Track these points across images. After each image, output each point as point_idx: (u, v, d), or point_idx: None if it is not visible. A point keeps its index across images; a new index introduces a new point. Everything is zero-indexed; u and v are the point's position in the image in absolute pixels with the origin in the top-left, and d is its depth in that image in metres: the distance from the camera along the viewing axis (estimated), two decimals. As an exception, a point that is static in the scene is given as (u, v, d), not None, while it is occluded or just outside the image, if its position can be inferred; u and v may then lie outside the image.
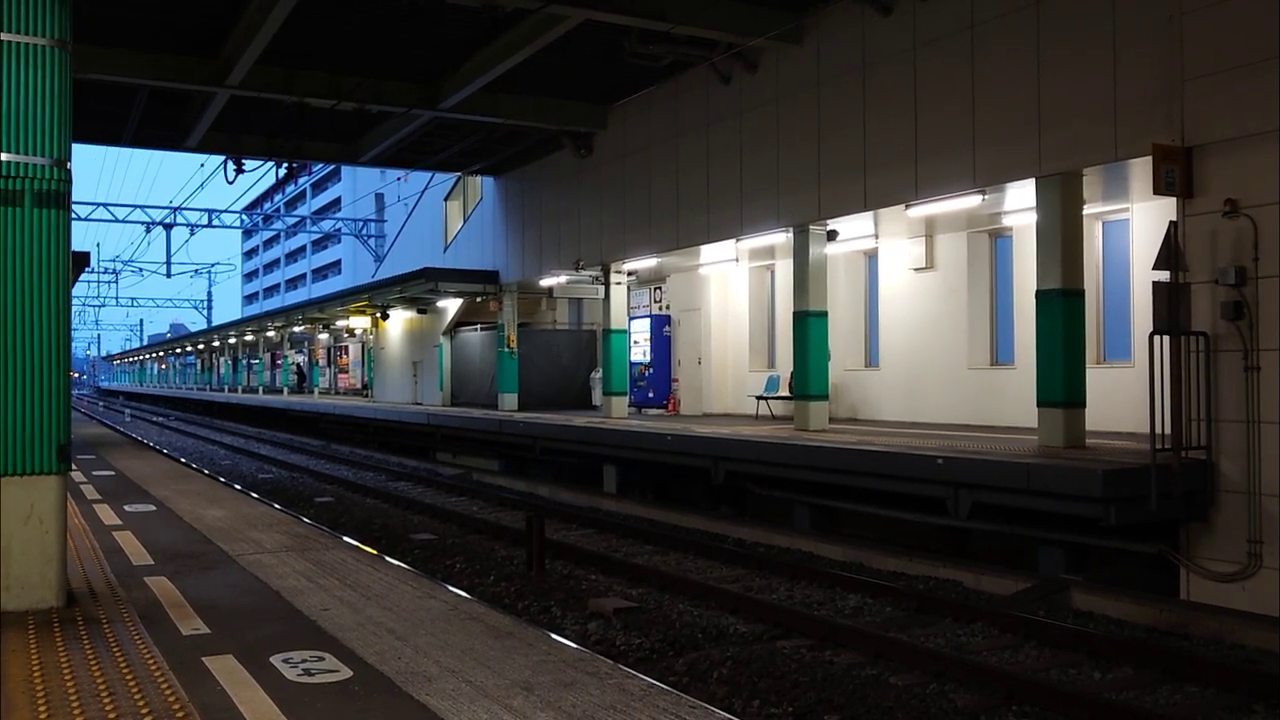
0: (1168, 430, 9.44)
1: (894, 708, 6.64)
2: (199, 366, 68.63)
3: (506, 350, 23.57)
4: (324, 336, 43.16)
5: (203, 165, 26.92)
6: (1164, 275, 9.63)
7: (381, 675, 4.48)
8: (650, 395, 21.36)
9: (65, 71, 5.59)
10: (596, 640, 8.26)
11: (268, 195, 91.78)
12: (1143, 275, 12.47)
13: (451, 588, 6.53)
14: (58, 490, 5.56)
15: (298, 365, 47.65)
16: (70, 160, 5.63)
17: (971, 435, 13.21)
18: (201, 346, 64.02)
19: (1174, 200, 9.86)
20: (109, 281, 63.32)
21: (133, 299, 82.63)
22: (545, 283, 22.23)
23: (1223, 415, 9.39)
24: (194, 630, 5.22)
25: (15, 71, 5.45)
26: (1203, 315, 9.50)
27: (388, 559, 7.50)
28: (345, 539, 8.56)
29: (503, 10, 13.80)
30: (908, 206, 13.40)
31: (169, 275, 48.90)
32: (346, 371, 42.54)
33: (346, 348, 42.35)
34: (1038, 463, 9.75)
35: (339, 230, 57.00)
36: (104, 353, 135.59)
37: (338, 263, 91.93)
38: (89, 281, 64.05)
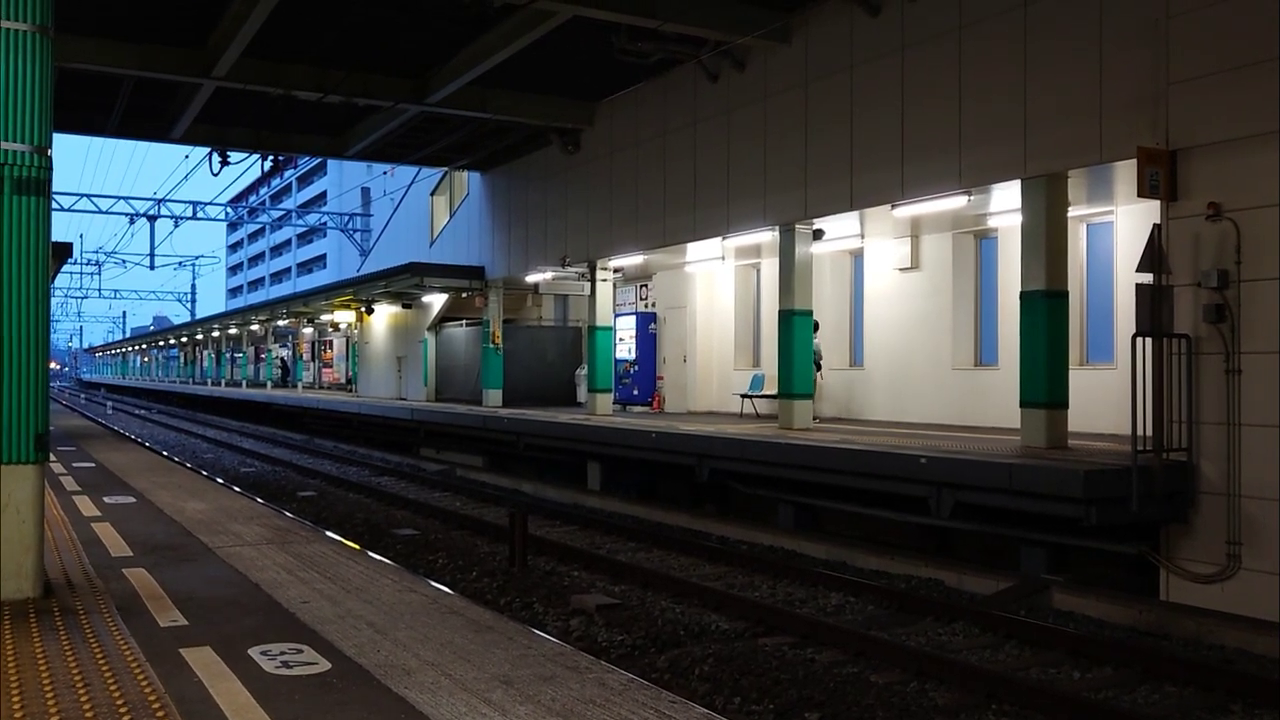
0: (1149, 432, 9.49)
1: (875, 705, 6.65)
2: (182, 360, 68.29)
3: (491, 346, 23.52)
4: (308, 331, 42.99)
5: (187, 157, 26.57)
6: (1147, 278, 9.68)
7: (360, 668, 4.45)
8: (635, 392, 21.34)
9: (47, 58, 5.53)
10: (578, 637, 8.25)
11: (253, 189, 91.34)
12: (1126, 277, 12.53)
13: (433, 582, 6.50)
14: (35, 480, 5.52)
15: (281, 359, 47.43)
16: (51, 147, 5.57)
17: (955, 435, 13.25)
18: (185, 339, 63.71)
19: (1158, 203, 9.92)
20: (91, 273, 63.03)
21: (115, 291, 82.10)
22: (531, 279, 22.19)
23: (1204, 417, 9.45)
24: (172, 622, 5.18)
25: (-4, 57, 5.40)
26: (1185, 318, 9.56)
27: (369, 553, 7.46)
28: (327, 533, 8.51)
29: (491, 5, 13.75)
30: (894, 206, 13.44)
31: (152, 268, 48.69)
32: (331, 366, 42.35)
33: (331, 342, 42.16)
34: (1020, 463, 9.78)
35: (324, 224, 56.77)
36: (86, 345, 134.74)
37: (323, 257, 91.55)
38: (71, 273, 63.70)
